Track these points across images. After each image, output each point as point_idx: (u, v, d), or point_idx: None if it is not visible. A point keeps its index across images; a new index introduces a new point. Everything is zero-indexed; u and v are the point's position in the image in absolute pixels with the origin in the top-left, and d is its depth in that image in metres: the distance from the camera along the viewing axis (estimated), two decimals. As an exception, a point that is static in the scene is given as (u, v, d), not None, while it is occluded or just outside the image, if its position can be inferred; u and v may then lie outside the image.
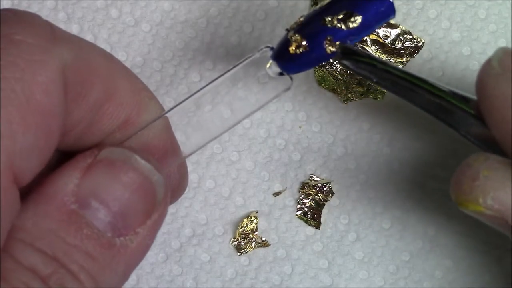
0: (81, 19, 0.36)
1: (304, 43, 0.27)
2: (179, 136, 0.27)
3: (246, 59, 0.28)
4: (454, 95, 0.27)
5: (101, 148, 0.24)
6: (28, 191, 0.24)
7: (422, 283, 0.35)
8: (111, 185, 0.24)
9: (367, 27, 0.27)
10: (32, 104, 0.21)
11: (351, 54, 0.27)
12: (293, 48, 0.27)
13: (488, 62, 0.26)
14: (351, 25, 0.27)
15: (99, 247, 0.23)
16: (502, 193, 0.25)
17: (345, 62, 0.28)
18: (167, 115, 0.27)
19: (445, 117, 0.27)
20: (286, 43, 0.27)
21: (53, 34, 0.23)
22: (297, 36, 0.27)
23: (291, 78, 0.28)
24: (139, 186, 0.24)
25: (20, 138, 0.21)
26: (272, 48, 0.28)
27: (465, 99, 0.27)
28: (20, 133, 0.21)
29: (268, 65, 0.28)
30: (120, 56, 0.36)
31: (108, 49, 0.35)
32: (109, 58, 0.26)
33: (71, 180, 0.23)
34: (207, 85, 0.28)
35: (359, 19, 0.27)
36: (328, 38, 0.27)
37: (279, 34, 0.35)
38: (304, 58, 0.27)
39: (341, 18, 0.27)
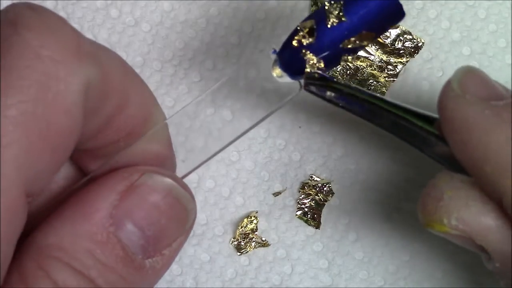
0: (81, 19, 0.36)
1: (322, 66, 0.27)
2: (188, 144, 0.28)
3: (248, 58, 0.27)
4: (419, 116, 0.27)
5: (141, 171, 0.25)
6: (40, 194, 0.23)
7: (422, 283, 0.35)
8: (148, 210, 0.24)
9: (380, 31, 0.27)
10: (52, 128, 0.21)
11: (317, 80, 0.27)
12: (311, 70, 0.27)
13: (448, 84, 0.26)
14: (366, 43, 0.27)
15: (131, 269, 0.23)
16: (465, 213, 0.25)
17: (312, 88, 0.28)
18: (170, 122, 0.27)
19: (411, 139, 0.27)
20: (301, 60, 0.27)
21: (79, 48, 0.22)
22: (315, 59, 0.27)
23: (301, 85, 0.28)
24: (175, 214, 0.25)
25: (37, 163, 0.21)
26: (275, 51, 0.28)
27: (429, 120, 0.27)
28: (38, 158, 0.21)
29: (275, 74, 0.28)
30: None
31: (108, 49, 0.35)
32: (123, 68, 0.25)
33: (110, 201, 0.23)
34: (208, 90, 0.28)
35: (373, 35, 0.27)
36: (346, 56, 0.27)
37: (279, 34, 0.35)
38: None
39: (360, 39, 0.27)
